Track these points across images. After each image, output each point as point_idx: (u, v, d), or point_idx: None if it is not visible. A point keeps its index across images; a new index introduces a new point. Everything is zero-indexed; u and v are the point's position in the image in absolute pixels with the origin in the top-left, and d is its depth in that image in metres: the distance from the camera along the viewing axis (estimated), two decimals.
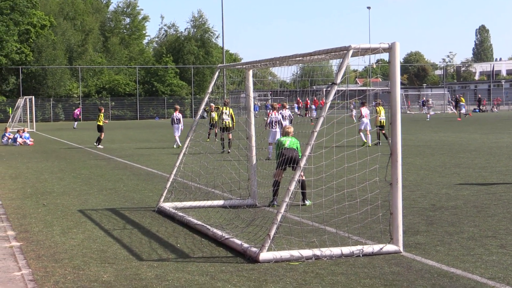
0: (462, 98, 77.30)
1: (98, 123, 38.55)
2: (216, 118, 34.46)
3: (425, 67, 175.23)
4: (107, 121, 41.64)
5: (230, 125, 31.62)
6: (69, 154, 33.32)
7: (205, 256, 11.35)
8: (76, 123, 68.89)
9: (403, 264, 10.46)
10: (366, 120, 34.09)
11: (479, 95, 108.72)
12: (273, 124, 27.67)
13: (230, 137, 31.79)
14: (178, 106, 38.36)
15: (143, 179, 22.28)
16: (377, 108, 34.89)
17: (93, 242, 12.56)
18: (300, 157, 14.80)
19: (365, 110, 34.98)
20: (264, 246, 10.79)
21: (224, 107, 32.17)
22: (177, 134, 35.98)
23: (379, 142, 33.71)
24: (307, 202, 15.92)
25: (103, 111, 39.66)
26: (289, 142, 15.86)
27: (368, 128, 33.91)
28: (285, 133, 16.37)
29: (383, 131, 33.31)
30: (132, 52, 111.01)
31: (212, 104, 35.47)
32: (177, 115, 36.34)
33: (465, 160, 25.89)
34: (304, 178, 15.52)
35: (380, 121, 33.80)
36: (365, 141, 32.96)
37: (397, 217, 11.34)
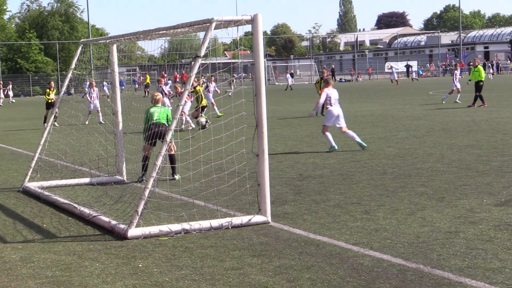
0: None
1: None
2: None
3: (292, 39, 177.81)
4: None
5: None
6: None
7: (72, 235, 11.14)
8: None
9: (271, 234, 10.57)
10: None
11: (333, 66, 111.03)
12: None
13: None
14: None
15: (7, 159, 21.65)
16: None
17: None
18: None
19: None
20: (132, 223, 10.68)
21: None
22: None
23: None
24: (176, 177, 15.85)
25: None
26: (158, 114, 15.65)
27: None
28: (154, 101, 16.00)
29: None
30: None
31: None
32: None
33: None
34: (174, 152, 15.45)
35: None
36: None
37: (264, 188, 11.44)
